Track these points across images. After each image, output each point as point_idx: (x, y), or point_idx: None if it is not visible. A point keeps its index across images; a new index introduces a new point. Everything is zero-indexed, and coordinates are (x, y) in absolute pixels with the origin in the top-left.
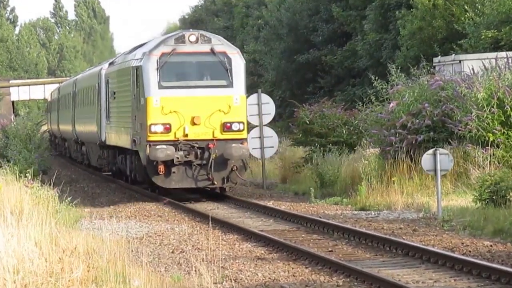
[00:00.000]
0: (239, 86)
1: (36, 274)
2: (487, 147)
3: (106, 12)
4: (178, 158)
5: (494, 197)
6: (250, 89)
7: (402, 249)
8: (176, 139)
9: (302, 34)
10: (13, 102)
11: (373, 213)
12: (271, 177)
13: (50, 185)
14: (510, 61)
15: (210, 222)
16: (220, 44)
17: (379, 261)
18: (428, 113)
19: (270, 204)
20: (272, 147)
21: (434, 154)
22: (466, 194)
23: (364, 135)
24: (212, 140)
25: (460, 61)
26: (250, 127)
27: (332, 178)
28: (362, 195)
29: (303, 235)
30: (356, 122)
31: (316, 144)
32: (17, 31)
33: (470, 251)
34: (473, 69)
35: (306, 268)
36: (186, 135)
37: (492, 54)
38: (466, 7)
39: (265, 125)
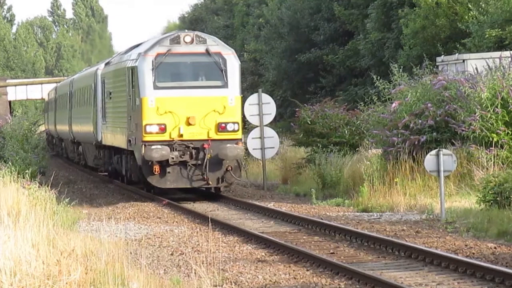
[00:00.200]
0: (234, 87)
1: (33, 277)
2: (491, 148)
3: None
4: (173, 158)
5: (498, 199)
6: (251, 88)
7: (404, 251)
8: (171, 139)
9: (303, 33)
10: (10, 102)
11: (375, 215)
12: (272, 178)
13: (47, 186)
14: None
15: (210, 223)
16: (215, 44)
17: (382, 263)
18: (431, 113)
19: (271, 205)
20: (273, 147)
21: (437, 155)
22: (469, 195)
23: (366, 135)
24: (207, 140)
25: (463, 60)
26: (250, 127)
27: (334, 179)
28: (364, 197)
29: (304, 237)
30: (358, 122)
31: (318, 145)
32: (14, 30)
33: (473, 253)
34: (476, 68)
35: (308, 270)
36: (181, 136)
37: (496, 54)
38: (469, 6)
39: (266, 125)
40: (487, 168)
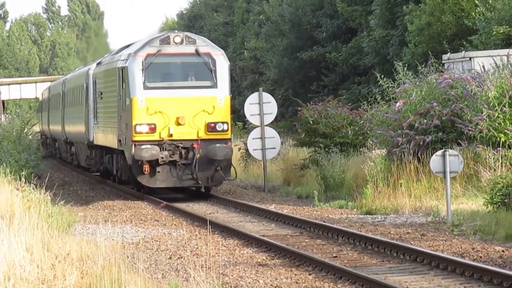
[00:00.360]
0: (223, 87)
1: (27, 281)
2: (498, 148)
3: (101, 7)
4: (162, 157)
5: (506, 200)
6: (251, 87)
7: (410, 254)
8: (161, 139)
9: (305, 30)
10: (3, 101)
11: (379, 217)
12: (273, 179)
13: (42, 188)
14: None
15: (209, 226)
16: (204, 45)
17: (386, 267)
18: (436, 113)
19: (272, 207)
20: (274, 148)
21: (443, 156)
22: (476, 197)
23: (370, 135)
24: (196, 140)
25: (470, 58)
26: (251, 127)
27: (337, 181)
28: (368, 199)
29: (306, 240)
30: (362, 122)
31: (321, 145)
32: (7, 27)
33: (481, 257)
34: (483, 66)
35: (310, 274)
36: (171, 135)
37: (504, 51)
38: (476, 2)
39: (267, 125)
40: (494, 169)
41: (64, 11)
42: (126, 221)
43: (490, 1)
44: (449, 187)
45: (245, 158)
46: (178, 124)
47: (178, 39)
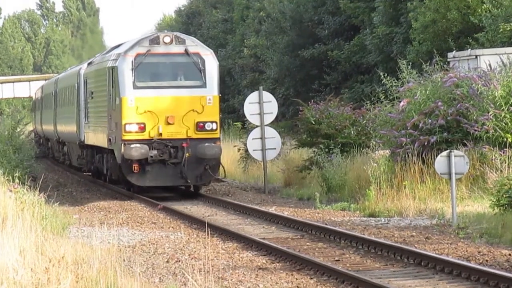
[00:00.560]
0: (212, 87)
1: (20, 285)
2: (505, 149)
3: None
4: (152, 156)
5: None
6: (251, 86)
7: (414, 258)
8: (151, 138)
9: (306, 27)
10: None
11: (383, 220)
12: (273, 181)
13: (36, 189)
14: None
15: (207, 229)
16: (194, 45)
17: (390, 271)
18: (441, 113)
19: (272, 210)
20: (275, 148)
21: (449, 156)
22: (482, 199)
23: (373, 136)
24: (185, 139)
25: (476, 56)
26: (250, 127)
27: (339, 182)
28: (371, 200)
29: (307, 243)
30: (364, 122)
31: (321, 146)
32: (0, 24)
33: (487, 261)
34: (490, 65)
35: (311, 278)
36: (160, 134)
37: (511, 49)
38: None
39: (267, 125)
40: (501, 170)
41: (59, 8)
42: (122, 223)
43: None
44: (455, 189)
45: (244, 159)
46: (168, 123)
47: (167, 39)
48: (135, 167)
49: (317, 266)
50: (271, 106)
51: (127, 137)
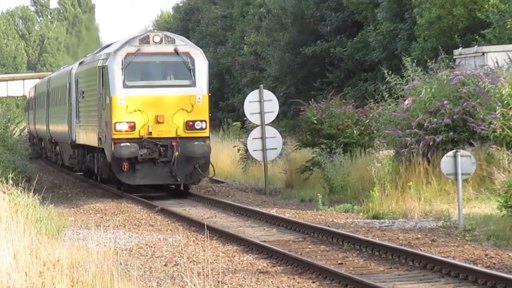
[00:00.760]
0: (202, 86)
1: None
2: None
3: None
4: (142, 155)
5: None
6: (251, 84)
7: (419, 261)
8: (140, 137)
9: (308, 23)
10: None
11: (387, 222)
12: (274, 182)
13: (30, 191)
14: None
15: (206, 231)
16: (183, 44)
17: (394, 274)
18: (447, 111)
19: (273, 212)
20: (276, 148)
21: (455, 156)
22: (490, 200)
23: (377, 135)
24: (175, 138)
25: (483, 53)
26: (250, 126)
27: (342, 183)
28: (374, 202)
29: (309, 246)
30: (368, 121)
31: (323, 147)
32: None
33: (494, 264)
34: (497, 62)
35: (314, 282)
36: (150, 133)
37: None
38: None
39: (268, 124)
40: (509, 171)
41: (54, 4)
42: (119, 226)
43: None
44: (461, 190)
45: (244, 160)
46: (157, 122)
47: (157, 39)
48: (125, 166)
49: (319, 269)
50: (272, 105)
51: (117, 136)
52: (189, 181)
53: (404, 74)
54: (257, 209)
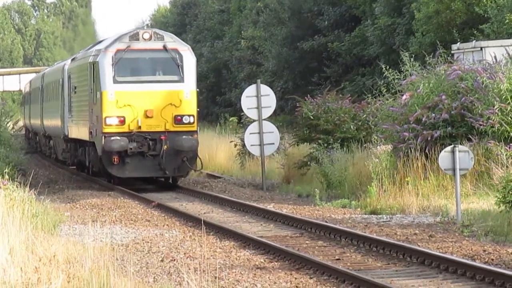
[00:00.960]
0: (190, 81)
1: (10, 285)
2: (511, 144)
3: None
4: (131, 149)
5: None
6: (248, 79)
7: (417, 257)
8: (130, 131)
9: (306, 18)
10: None
11: (385, 217)
12: (271, 177)
13: (26, 185)
14: None
15: (203, 227)
16: (172, 41)
17: (392, 270)
18: (445, 106)
19: (270, 207)
20: (273, 143)
21: (453, 152)
22: (488, 196)
23: (374, 130)
24: (164, 132)
25: (481, 48)
26: (247, 121)
27: (339, 178)
28: (372, 197)
29: (307, 242)
30: (365, 116)
31: (320, 142)
32: None
33: (492, 259)
34: (495, 57)
35: (311, 278)
36: (140, 127)
37: None
38: None
39: (265, 119)
40: (507, 166)
41: None
42: (115, 221)
43: None
44: (459, 185)
45: (241, 155)
46: (146, 116)
47: (146, 36)
48: (115, 159)
49: (317, 265)
50: (269, 99)
51: (107, 130)
52: (177, 174)
53: (402, 69)
54: (254, 204)
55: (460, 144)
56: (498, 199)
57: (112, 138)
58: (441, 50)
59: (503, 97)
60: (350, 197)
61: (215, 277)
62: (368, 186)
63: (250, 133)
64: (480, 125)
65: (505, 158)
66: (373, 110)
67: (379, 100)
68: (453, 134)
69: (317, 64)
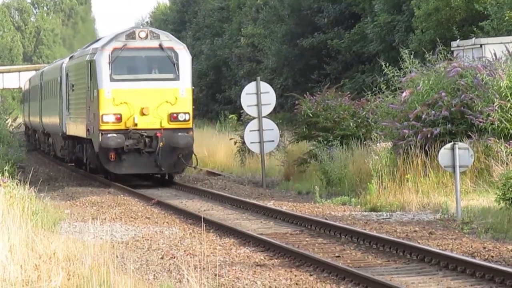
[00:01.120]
0: (185, 79)
1: (10, 283)
2: (511, 141)
3: None
4: (128, 146)
5: None
6: (248, 76)
7: (417, 254)
8: (126, 128)
9: (305, 15)
10: None
11: (384, 214)
12: (271, 174)
13: (26, 183)
14: None
15: (203, 224)
16: (168, 40)
17: (392, 267)
18: (445, 103)
19: (270, 204)
20: (273, 141)
21: (452, 149)
22: (488, 193)
23: (374, 127)
24: (159, 129)
25: (481, 45)
26: (247, 119)
27: (339, 176)
28: (372, 194)
29: (307, 239)
30: (365, 113)
31: (320, 139)
32: None
33: (492, 256)
34: (495, 54)
35: (311, 275)
36: (136, 125)
37: None
38: None
39: (265, 116)
40: (507, 163)
41: None
42: (115, 218)
43: None
44: (459, 182)
45: (241, 152)
46: (143, 114)
47: (143, 34)
48: (112, 156)
49: (316, 262)
50: (269, 97)
51: (104, 127)
52: (173, 171)
53: (402, 66)
54: (254, 201)
55: (460, 141)
56: (498, 196)
57: (109, 135)
58: (441, 47)
59: (503, 94)
60: (350, 194)
61: (215, 274)
62: (368, 183)
63: (250, 131)
64: (480, 122)
65: (505, 155)
66: (373, 107)
67: (379, 97)
68: (453, 131)
69: (316, 61)
